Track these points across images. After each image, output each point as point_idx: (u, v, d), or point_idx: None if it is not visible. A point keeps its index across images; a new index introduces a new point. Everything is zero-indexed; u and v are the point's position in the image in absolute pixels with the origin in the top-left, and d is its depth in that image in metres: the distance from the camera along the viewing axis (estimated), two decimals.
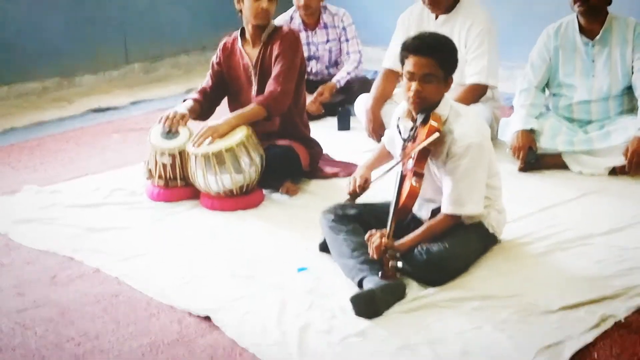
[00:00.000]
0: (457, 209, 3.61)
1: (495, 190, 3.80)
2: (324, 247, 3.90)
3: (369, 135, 5.50)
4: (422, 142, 3.52)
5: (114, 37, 7.75)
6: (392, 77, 5.50)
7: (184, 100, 4.88)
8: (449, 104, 3.67)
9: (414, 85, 3.58)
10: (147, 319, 3.44)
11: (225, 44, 4.91)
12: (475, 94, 5.21)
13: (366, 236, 3.54)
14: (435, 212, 3.74)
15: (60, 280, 3.82)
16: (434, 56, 3.57)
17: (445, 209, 3.63)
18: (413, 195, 3.52)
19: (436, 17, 5.33)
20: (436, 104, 3.64)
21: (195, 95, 4.90)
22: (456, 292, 3.49)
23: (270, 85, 4.65)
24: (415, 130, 3.64)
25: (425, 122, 3.59)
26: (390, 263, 3.40)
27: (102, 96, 7.27)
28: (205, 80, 4.97)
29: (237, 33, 4.85)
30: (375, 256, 3.47)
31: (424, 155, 3.56)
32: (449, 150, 3.59)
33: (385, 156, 4.08)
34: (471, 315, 3.33)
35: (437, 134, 3.52)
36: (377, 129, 5.41)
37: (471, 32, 5.21)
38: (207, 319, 3.40)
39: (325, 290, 3.57)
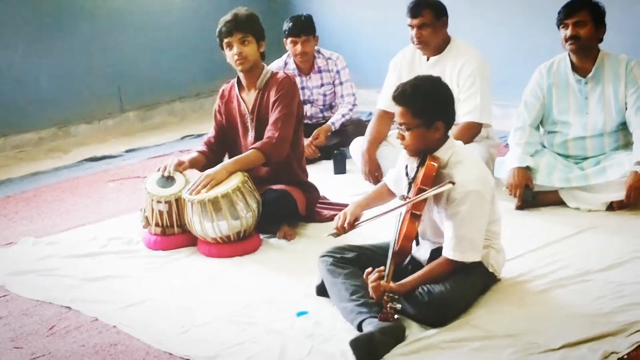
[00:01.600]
0: (457, 255, 3.60)
1: (495, 234, 3.80)
2: (320, 290, 3.88)
3: (365, 177, 5.50)
4: (431, 190, 3.54)
5: (108, 86, 7.77)
6: (386, 118, 5.51)
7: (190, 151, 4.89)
8: (452, 149, 3.67)
9: (396, 133, 3.64)
10: None
11: (223, 91, 4.93)
12: (470, 132, 5.22)
13: (364, 275, 3.53)
14: (434, 252, 3.73)
15: (58, 331, 3.79)
16: (406, 105, 3.60)
17: (446, 254, 3.62)
18: (409, 236, 3.53)
19: (428, 59, 5.36)
20: (434, 146, 3.64)
21: (201, 147, 4.91)
22: (456, 332, 3.47)
23: (268, 131, 4.65)
24: (416, 172, 3.66)
25: (422, 163, 3.62)
26: (389, 305, 3.39)
27: (98, 145, 7.29)
28: (210, 131, 4.99)
29: (234, 80, 4.87)
30: (374, 296, 3.46)
31: (423, 198, 3.56)
32: (449, 196, 3.59)
33: (382, 196, 4.07)
34: (472, 356, 3.30)
35: (450, 185, 3.53)
36: (373, 171, 5.42)
37: (462, 72, 5.24)
38: None
39: (325, 335, 3.54)
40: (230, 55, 4.67)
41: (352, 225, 3.90)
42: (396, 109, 3.64)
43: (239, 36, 4.62)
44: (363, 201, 4.05)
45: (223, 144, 4.94)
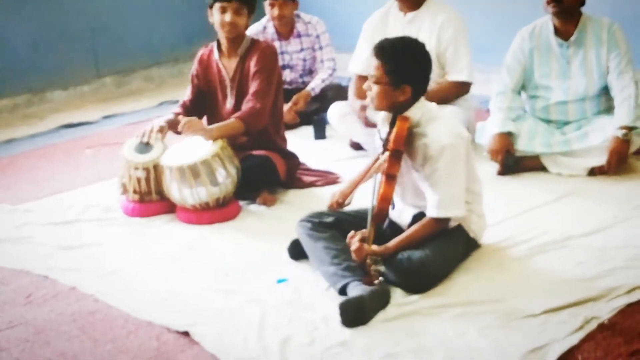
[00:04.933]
0: (441, 212, 3.59)
1: (476, 196, 3.79)
2: (293, 253, 3.90)
3: (359, 117, 5.31)
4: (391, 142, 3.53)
5: (84, 51, 7.66)
6: (364, 81, 5.44)
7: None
8: (423, 108, 3.64)
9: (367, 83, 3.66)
10: (125, 337, 3.38)
11: (202, 56, 4.87)
12: (460, 90, 5.23)
13: (347, 239, 3.54)
14: (416, 217, 3.71)
15: (35, 299, 3.75)
16: (380, 59, 3.59)
17: (431, 213, 3.61)
18: (386, 198, 3.51)
19: (405, 15, 5.30)
20: (402, 107, 3.61)
21: (176, 109, 4.85)
22: (439, 298, 3.46)
23: (249, 102, 4.61)
24: (388, 134, 3.63)
25: (393, 124, 3.61)
26: (373, 268, 3.38)
27: (74, 111, 7.20)
28: (186, 94, 4.93)
29: (214, 45, 4.80)
30: (356, 258, 3.47)
31: (394, 158, 3.53)
32: (424, 154, 3.57)
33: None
34: (454, 321, 3.30)
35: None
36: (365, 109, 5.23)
37: (444, 30, 5.19)
38: (186, 334, 3.34)
39: (306, 301, 3.53)
40: (219, 20, 4.61)
41: (342, 204, 3.92)
42: (373, 61, 3.62)
43: (236, 5, 4.57)
44: (355, 178, 4.00)
45: (200, 106, 4.89)
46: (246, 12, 4.64)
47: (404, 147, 3.55)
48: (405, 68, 3.59)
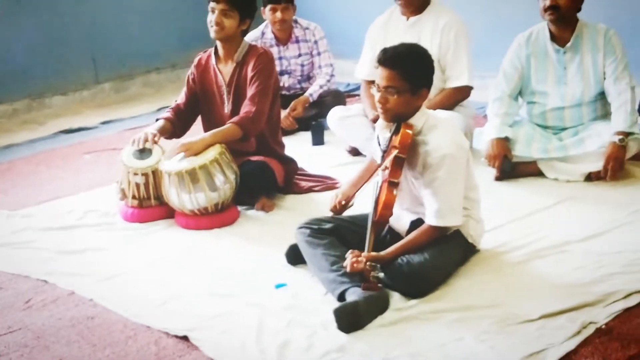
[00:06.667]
0: (440, 221, 3.60)
1: (474, 202, 3.80)
2: (291, 257, 3.92)
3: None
4: (394, 151, 3.52)
5: (83, 57, 7.68)
6: (371, 86, 5.47)
7: (157, 120, 4.83)
8: (425, 116, 3.65)
9: (377, 96, 3.60)
10: (124, 342, 3.39)
11: (199, 60, 4.88)
12: (461, 96, 5.27)
13: (347, 253, 3.53)
14: (414, 223, 3.72)
15: (35, 304, 3.76)
16: (396, 68, 3.55)
17: (429, 221, 3.62)
18: (388, 205, 3.51)
19: (407, 19, 5.33)
20: (411, 114, 3.62)
21: (167, 113, 4.84)
22: (436, 303, 3.47)
23: (245, 106, 4.62)
24: (390, 140, 3.63)
25: (397, 131, 3.60)
26: (372, 274, 3.38)
27: (73, 117, 7.21)
28: (179, 97, 4.92)
29: (212, 50, 4.81)
30: (350, 270, 3.46)
31: (398, 165, 3.54)
32: (425, 162, 3.58)
33: (373, 168, 4.05)
34: (452, 326, 3.30)
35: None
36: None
37: (445, 32, 5.22)
38: (185, 338, 3.35)
39: (304, 306, 3.53)
40: (208, 20, 4.63)
41: (344, 205, 3.94)
42: (382, 72, 3.58)
43: (223, 6, 4.56)
44: (354, 179, 4.04)
45: (193, 110, 4.89)
46: (236, 16, 4.59)
47: (407, 154, 3.55)
48: (420, 72, 3.60)
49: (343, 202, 3.95)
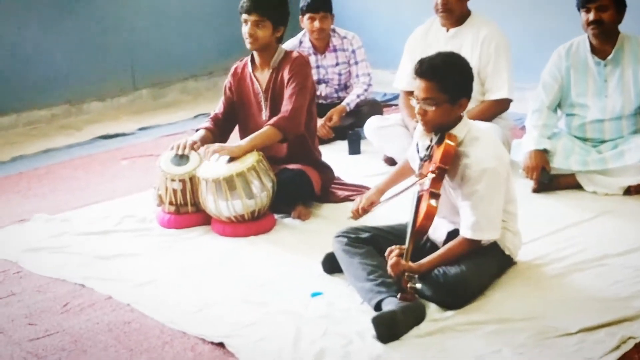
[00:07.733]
0: (476, 234, 3.58)
1: (511, 215, 3.77)
2: (327, 266, 3.91)
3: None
4: (436, 163, 3.51)
5: (121, 64, 7.75)
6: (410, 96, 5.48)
7: (197, 130, 4.86)
8: (467, 127, 3.64)
9: (417, 108, 3.58)
10: (160, 347, 3.40)
11: (235, 68, 4.90)
12: (500, 108, 5.26)
13: (387, 252, 3.53)
14: (451, 234, 3.71)
15: (72, 308, 3.79)
16: (434, 79, 3.53)
17: (464, 233, 3.60)
18: (430, 216, 3.49)
19: (447, 30, 5.32)
20: (452, 124, 3.61)
21: (207, 123, 4.88)
22: (473, 315, 3.45)
23: (283, 107, 4.64)
24: (431, 150, 3.62)
25: (440, 141, 3.57)
26: (409, 284, 3.37)
27: (110, 123, 7.27)
28: (217, 107, 4.95)
29: (248, 58, 4.84)
30: (392, 273, 3.46)
31: (440, 176, 3.53)
32: (464, 174, 3.56)
33: (406, 172, 4.04)
34: (489, 338, 3.28)
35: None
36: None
37: (486, 44, 5.22)
38: (221, 345, 3.36)
39: (340, 315, 3.53)
40: (243, 32, 4.66)
41: (366, 209, 3.95)
42: (420, 84, 3.57)
43: (255, 18, 4.59)
44: (382, 184, 4.05)
45: (231, 119, 4.92)
46: (269, 24, 4.62)
47: (449, 165, 3.54)
48: (457, 81, 3.58)
49: (365, 207, 3.94)
